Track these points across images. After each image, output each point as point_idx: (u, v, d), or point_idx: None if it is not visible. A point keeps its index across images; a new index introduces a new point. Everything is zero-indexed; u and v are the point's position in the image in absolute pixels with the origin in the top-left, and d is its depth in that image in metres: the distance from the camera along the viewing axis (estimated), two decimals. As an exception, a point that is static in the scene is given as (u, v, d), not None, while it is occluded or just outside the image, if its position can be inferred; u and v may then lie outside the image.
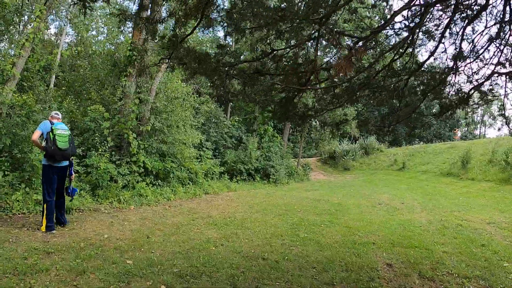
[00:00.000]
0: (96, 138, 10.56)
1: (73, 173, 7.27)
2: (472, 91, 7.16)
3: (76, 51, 16.14)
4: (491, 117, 63.47)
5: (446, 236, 8.12)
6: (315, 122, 40.44)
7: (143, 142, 11.55)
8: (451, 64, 6.38)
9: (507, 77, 5.80)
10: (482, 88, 6.70)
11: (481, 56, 6.33)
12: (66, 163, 6.97)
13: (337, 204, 13.03)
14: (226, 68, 5.51)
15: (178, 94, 12.76)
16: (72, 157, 7.24)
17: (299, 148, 28.92)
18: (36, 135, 6.60)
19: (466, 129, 57.98)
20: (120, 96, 11.48)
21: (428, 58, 6.23)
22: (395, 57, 6.12)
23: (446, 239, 7.84)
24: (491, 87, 7.04)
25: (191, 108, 14.40)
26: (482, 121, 63.89)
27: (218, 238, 7.04)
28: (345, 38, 7.77)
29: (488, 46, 6.08)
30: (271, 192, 16.56)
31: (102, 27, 23.24)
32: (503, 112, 7.87)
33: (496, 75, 6.04)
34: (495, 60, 6.10)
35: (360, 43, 5.30)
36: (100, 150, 10.25)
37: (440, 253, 6.69)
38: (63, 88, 15.01)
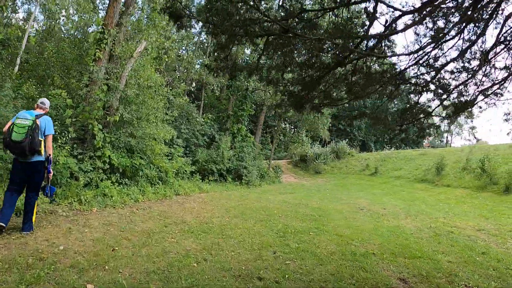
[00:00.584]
0: (55, 127, 9.22)
1: (51, 170, 6.13)
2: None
3: (43, 34, 14.57)
4: (458, 126, 65.56)
5: (442, 244, 7.93)
6: (285, 124, 39.99)
7: (109, 135, 10.27)
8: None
9: None
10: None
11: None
12: (37, 158, 5.85)
13: (317, 208, 12.45)
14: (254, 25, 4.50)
15: (151, 82, 11.54)
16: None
17: (270, 150, 28.17)
18: (6, 126, 5.77)
19: (432, 137, 59.35)
20: (86, 82, 10.18)
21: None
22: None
23: (444, 247, 7.64)
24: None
25: (164, 100, 13.22)
26: (449, 130, 65.80)
27: (199, 250, 6.00)
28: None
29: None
30: (245, 194, 15.64)
31: (73, 15, 21.52)
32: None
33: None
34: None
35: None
36: (59, 141, 8.90)
37: (446, 263, 6.44)
38: (25, 72, 13.44)
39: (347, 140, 37.99)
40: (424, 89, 7.28)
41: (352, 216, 11.37)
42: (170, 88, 15.00)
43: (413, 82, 7.40)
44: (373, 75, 6.04)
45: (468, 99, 7.10)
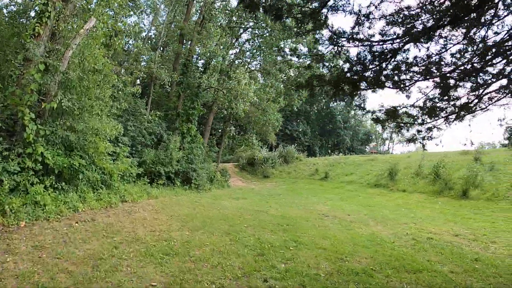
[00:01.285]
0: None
1: None
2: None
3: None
4: (399, 134, 68.08)
5: (429, 252, 7.88)
6: (231, 127, 38.73)
7: (43, 127, 8.34)
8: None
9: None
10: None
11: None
12: None
13: (280, 216, 11.75)
14: None
15: (99, 66, 9.67)
16: None
17: (218, 152, 26.76)
18: None
19: (373, 144, 61.50)
20: (20, 61, 8.20)
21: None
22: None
23: (434, 256, 7.56)
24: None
25: (112, 89, 11.39)
26: (391, 137, 68.66)
27: (168, 285, 4.58)
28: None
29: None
30: (197, 200, 14.26)
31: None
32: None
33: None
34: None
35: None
36: (-24, 133, 6.95)
37: (450, 274, 6.34)
38: None
39: (295, 145, 37.55)
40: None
41: (320, 224, 10.85)
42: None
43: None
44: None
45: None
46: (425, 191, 19.13)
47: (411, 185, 20.41)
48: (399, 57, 6.92)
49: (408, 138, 8.13)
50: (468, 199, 16.47)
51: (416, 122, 7.77)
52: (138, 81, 24.33)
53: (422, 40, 6.21)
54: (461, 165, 20.68)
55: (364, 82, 7.43)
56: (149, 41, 23.88)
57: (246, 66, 26.32)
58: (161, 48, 22.45)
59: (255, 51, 27.19)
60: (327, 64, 8.41)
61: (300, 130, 46.71)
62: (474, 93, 6.72)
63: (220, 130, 38.47)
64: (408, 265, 6.67)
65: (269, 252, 6.84)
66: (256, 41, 26.83)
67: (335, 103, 54.19)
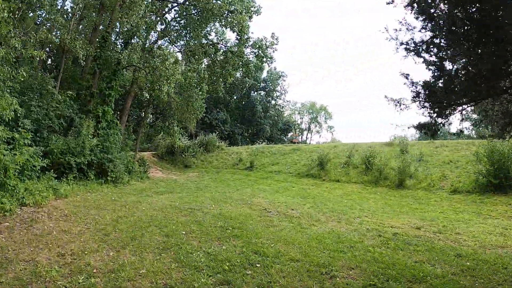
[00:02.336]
0: None
1: None
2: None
3: None
4: (317, 125, 70.37)
5: (406, 250, 7.39)
6: (150, 114, 35.71)
7: None
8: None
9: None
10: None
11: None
12: None
13: (221, 216, 10.30)
14: None
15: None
16: None
17: (135, 140, 24.07)
18: None
19: (291, 133, 62.17)
20: None
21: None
22: None
23: (416, 255, 7.06)
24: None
25: (6, 49, 8.71)
26: (309, 128, 70.15)
27: None
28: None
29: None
30: (116, 197, 12.23)
31: None
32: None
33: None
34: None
35: None
36: None
37: (452, 276, 5.88)
38: None
39: (216, 133, 35.84)
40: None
41: (268, 223, 9.78)
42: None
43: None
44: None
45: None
46: (358, 181, 19.51)
47: (343, 175, 20.64)
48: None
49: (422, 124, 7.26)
50: (405, 189, 17.18)
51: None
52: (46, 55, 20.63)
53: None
54: (390, 156, 21.37)
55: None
56: (65, 15, 20.30)
57: (171, 46, 23.90)
58: (78, 19, 19.13)
59: (181, 30, 24.83)
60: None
61: (220, 118, 45.02)
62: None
63: (136, 117, 35.29)
64: (405, 272, 5.98)
65: (234, 277, 5.30)
66: (183, 21, 24.50)
67: (255, 93, 53.45)
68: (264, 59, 27.63)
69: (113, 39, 20.97)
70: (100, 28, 18.25)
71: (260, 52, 27.04)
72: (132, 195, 13.04)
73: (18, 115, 9.83)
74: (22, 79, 10.33)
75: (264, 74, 54.41)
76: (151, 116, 31.02)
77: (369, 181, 19.23)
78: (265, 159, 27.46)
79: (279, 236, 8.18)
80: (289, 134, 60.73)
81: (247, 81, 47.75)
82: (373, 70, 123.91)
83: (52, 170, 11.88)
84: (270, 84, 54.97)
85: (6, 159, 8.39)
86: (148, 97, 22.12)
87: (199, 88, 23.54)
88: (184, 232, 7.92)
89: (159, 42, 23.40)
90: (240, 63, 27.10)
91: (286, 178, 21.68)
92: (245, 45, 26.39)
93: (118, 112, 21.18)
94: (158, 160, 29.10)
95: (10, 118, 9.25)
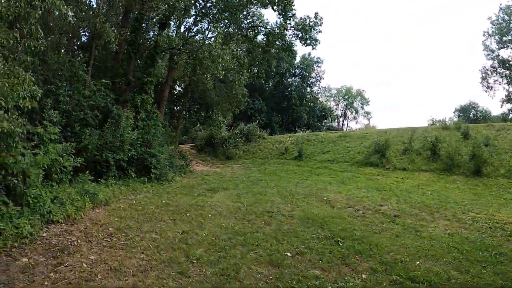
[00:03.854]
0: None
1: None
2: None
3: None
4: (354, 111, 66.60)
5: None
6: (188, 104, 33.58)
7: None
8: None
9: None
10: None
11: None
12: None
13: (308, 219, 8.31)
14: None
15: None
16: None
17: (175, 132, 21.83)
18: None
19: (326, 120, 59.02)
20: None
21: None
22: None
23: None
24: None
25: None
26: (345, 114, 66.46)
27: None
28: None
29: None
30: (166, 199, 10.00)
31: None
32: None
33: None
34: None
35: None
36: None
37: None
38: None
39: (257, 121, 33.25)
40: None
41: (373, 226, 7.92)
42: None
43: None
44: None
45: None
46: (427, 169, 16.78)
47: (408, 163, 17.81)
48: None
49: None
50: (484, 177, 14.82)
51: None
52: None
53: None
54: (451, 141, 18.77)
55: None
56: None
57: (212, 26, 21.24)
58: (107, 4, 16.87)
59: (218, 15, 22.24)
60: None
61: (256, 107, 42.33)
62: None
63: (167, 109, 33.00)
64: None
65: None
66: (221, 3, 21.87)
67: (290, 79, 50.30)
68: (308, 41, 24.76)
69: (146, 24, 18.68)
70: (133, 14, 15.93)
71: (303, 33, 24.19)
72: (183, 195, 10.71)
73: (41, 99, 7.53)
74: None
75: (298, 60, 51.22)
76: (188, 106, 28.51)
77: (439, 169, 16.45)
78: (312, 148, 24.70)
79: (404, 245, 6.44)
80: (324, 121, 57.50)
81: (282, 67, 44.73)
82: (406, 52, 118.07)
83: (88, 171, 9.66)
84: (305, 70, 51.72)
85: (23, 162, 6.06)
86: (188, 83, 19.67)
87: (240, 74, 20.95)
88: (289, 254, 5.68)
89: (198, 26, 20.89)
90: (282, 46, 24.42)
91: (345, 168, 18.90)
92: (287, 27, 23.63)
93: (155, 104, 18.90)
94: (197, 152, 26.83)
95: (30, 107, 6.94)
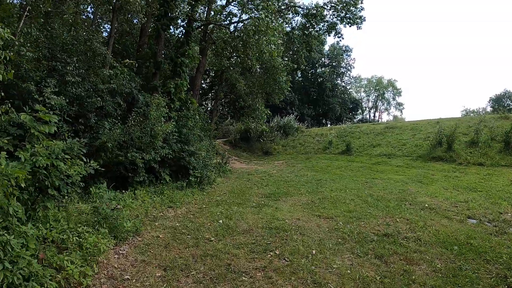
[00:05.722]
0: None
1: None
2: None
3: None
4: (386, 102, 62.18)
5: None
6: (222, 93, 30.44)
7: None
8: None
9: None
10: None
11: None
12: None
13: (447, 242, 5.43)
14: None
15: None
16: None
17: (210, 124, 18.71)
18: None
19: (359, 112, 55.14)
20: None
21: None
22: None
23: None
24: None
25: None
26: (376, 106, 62.07)
27: None
28: None
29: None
30: (221, 214, 6.95)
31: None
32: None
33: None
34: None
35: None
36: None
37: None
38: None
39: (295, 114, 29.85)
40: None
41: None
42: None
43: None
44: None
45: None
46: (508, 163, 13.52)
47: (480, 157, 14.55)
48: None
49: None
50: None
51: None
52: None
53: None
54: None
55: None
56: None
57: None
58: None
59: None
60: None
61: (287, 100, 38.63)
62: None
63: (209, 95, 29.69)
64: None
65: None
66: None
67: (322, 68, 46.42)
68: (351, 21, 21.16)
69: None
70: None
71: (346, 12, 20.66)
72: (238, 206, 7.64)
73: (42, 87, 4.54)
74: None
75: (326, 49, 47.28)
76: (223, 96, 25.20)
77: None
78: (359, 141, 21.27)
79: None
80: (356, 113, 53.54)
81: (312, 56, 41.00)
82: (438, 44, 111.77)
83: (108, 178, 6.62)
84: (335, 59, 47.79)
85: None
86: (222, 70, 16.41)
87: (282, 58, 17.65)
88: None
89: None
90: (324, 26, 20.96)
91: (409, 163, 15.44)
92: (327, 6, 20.20)
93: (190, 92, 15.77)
94: (231, 147, 23.76)
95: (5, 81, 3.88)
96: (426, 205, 8.01)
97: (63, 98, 6.70)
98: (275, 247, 4.96)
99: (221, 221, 6.24)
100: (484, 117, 20.91)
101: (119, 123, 8.30)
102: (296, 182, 11.82)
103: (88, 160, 5.65)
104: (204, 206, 7.59)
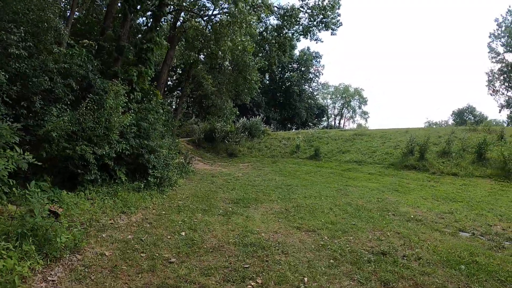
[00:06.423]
0: None
1: None
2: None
3: None
4: (351, 110, 62.82)
5: None
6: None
7: None
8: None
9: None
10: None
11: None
12: None
13: (452, 262, 4.75)
14: None
15: None
16: None
17: (173, 122, 17.53)
18: None
19: (324, 118, 55.35)
20: None
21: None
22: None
23: None
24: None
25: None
26: (341, 113, 62.55)
27: None
28: None
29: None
30: (184, 225, 5.89)
31: None
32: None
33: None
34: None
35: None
36: None
37: None
38: None
39: (262, 116, 29.06)
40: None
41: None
42: None
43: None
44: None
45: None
46: (482, 174, 13.51)
47: (453, 167, 14.48)
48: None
49: None
50: None
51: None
52: None
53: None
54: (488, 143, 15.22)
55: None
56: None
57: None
58: None
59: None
60: None
61: (255, 100, 37.87)
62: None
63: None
64: None
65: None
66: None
67: (289, 73, 46.03)
68: (329, 25, 20.81)
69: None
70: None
71: (321, 17, 20.26)
72: (203, 213, 6.78)
73: None
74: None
75: (297, 54, 47.06)
76: (189, 92, 23.84)
77: (495, 174, 13.16)
78: (327, 146, 20.91)
79: None
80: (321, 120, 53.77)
81: (282, 60, 40.56)
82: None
83: (51, 174, 5.48)
84: (304, 65, 47.68)
85: None
86: (190, 65, 15.33)
87: (254, 57, 16.83)
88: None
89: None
90: (299, 29, 20.45)
91: (381, 171, 15.21)
92: (304, 8, 19.73)
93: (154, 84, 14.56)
94: (195, 147, 22.55)
95: None
96: (412, 216, 7.58)
97: (3, 74, 5.53)
98: (255, 273, 4.01)
99: (183, 233, 5.27)
100: (456, 128, 21.27)
101: (68, 110, 7.10)
102: (264, 187, 11.05)
103: (24, 151, 4.53)
104: (163, 212, 6.58)
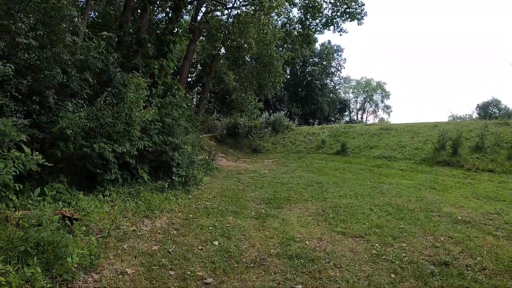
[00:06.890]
0: None
1: None
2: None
3: None
4: (374, 104, 61.07)
5: None
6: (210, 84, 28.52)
7: None
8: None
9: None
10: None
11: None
12: None
13: None
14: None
15: None
16: None
17: (197, 117, 16.94)
18: None
19: (346, 113, 53.98)
20: None
21: None
22: None
23: None
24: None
25: None
26: (363, 107, 60.93)
27: None
28: None
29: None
30: (215, 231, 5.00)
31: None
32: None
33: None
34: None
35: None
36: None
37: None
38: None
39: (285, 111, 28.24)
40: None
41: None
42: None
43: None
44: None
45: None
46: None
47: (488, 163, 13.36)
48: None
49: None
50: None
51: None
52: None
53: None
54: None
55: None
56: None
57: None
58: None
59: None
60: None
61: (278, 95, 36.85)
62: None
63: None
64: None
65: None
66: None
67: (310, 67, 44.83)
68: (352, 15, 19.71)
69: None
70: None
71: (345, 7, 19.19)
72: (234, 216, 6.03)
73: None
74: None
75: (318, 47, 45.84)
76: (212, 87, 23.24)
77: None
78: (354, 141, 19.85)
79: None
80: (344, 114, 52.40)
81: (304, 54, 39.45)
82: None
83: (66, 174, 4.89)
84: (325, 58, 46.38)
85: None
86: (212, 59, 14.65)
87: (277, 48, 16.00)
88: None
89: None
90: (321, 21, 19.45)
91: (413, 167, 14.17)
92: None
93: (176, 77, 13.90)
94: (217, 143, 21.93)
95: None
96: (458, 217, 6.69)
97: (10, 66, 4.96)
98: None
99: (216, 242, 4.56)
100: (489, 122, 19.96)
101: (85, 105, 6.51)
102: (294, 184, 10.27)
103: (33, 150, 3.92)
104: (190, 215, 5.90)
